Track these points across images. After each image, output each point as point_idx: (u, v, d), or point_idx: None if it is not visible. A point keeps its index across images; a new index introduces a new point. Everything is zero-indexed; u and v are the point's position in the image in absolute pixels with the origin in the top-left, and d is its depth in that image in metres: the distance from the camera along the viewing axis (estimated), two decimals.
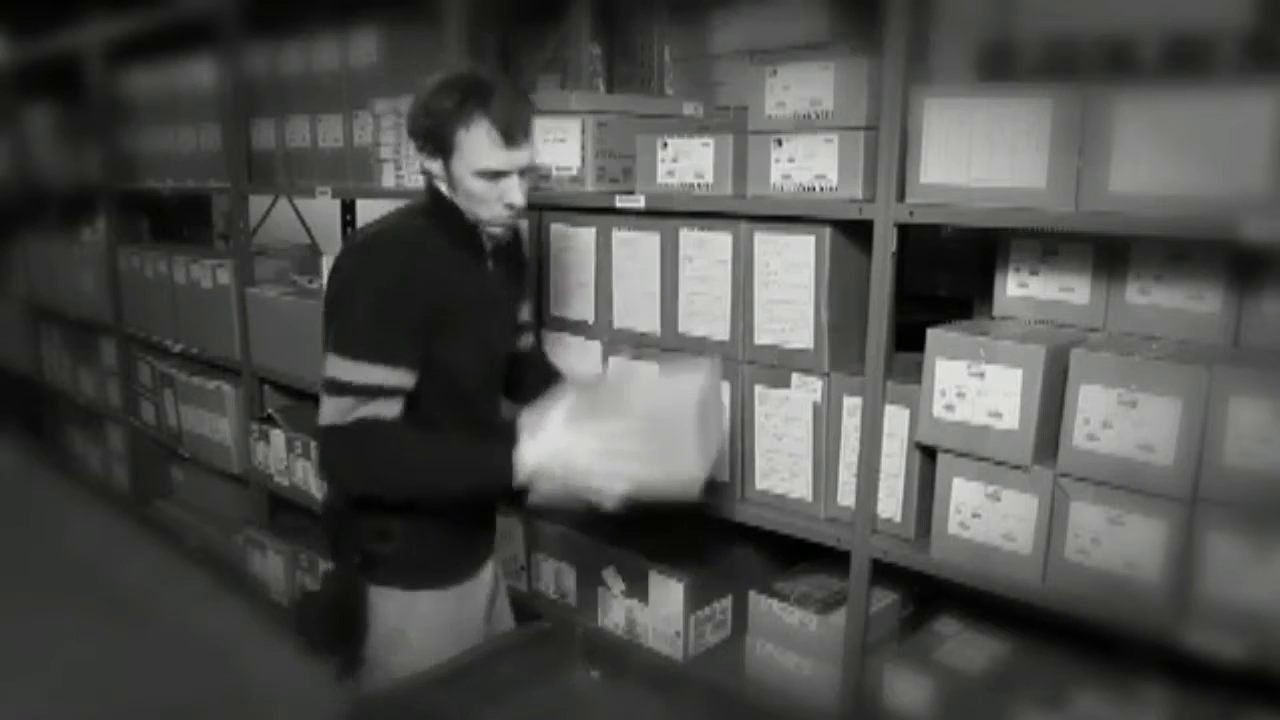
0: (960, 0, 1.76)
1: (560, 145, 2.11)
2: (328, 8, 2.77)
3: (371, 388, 1.49)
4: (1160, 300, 1.57)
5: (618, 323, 2.08)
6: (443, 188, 1.60)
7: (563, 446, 1.50)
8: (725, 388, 1.92)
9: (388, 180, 2.60)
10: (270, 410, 3.15)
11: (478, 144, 1.52)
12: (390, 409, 1.52)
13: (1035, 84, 1.53)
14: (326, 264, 2.67)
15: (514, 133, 1.52)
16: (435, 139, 1.54)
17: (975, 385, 1.56)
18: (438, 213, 1.61)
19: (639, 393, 1.65)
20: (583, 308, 2.15)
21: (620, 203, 2.00)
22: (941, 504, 1.63)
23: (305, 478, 2.96)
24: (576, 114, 2.07)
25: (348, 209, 3.81)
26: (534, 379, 1.88)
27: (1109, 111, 1.42)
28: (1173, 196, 1.37)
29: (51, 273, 4.55)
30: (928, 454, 1.68)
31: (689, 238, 1.93)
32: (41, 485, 4.72)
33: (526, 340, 1.94)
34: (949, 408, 1.60)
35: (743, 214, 1.84)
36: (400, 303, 1.51)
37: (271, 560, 3.14)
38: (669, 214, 1.96)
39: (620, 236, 2.05)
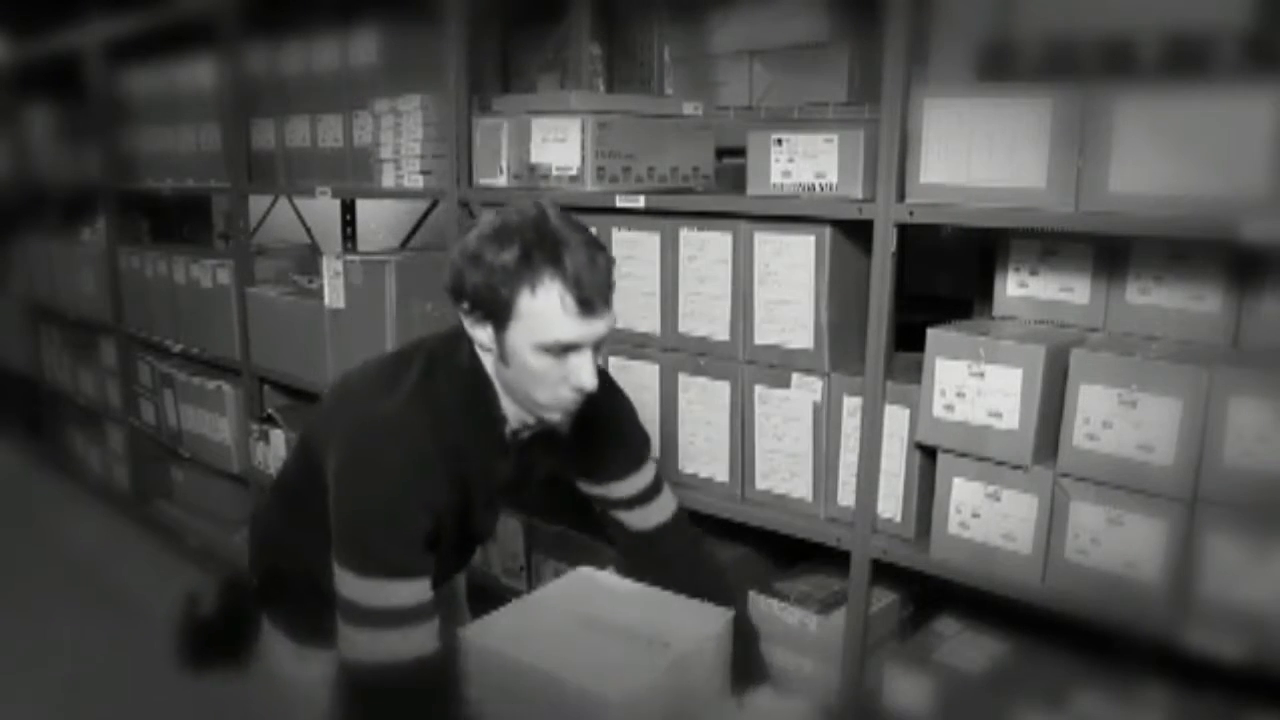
0: (960, 0, 1.76)
1: (560, 145, 2.11)
2: (328, 8, 2.77)
3: (390, 611, 1.24)
4: (1160, 300, 1.57)
5: (618, 323, 2.07)
6: (487, 361, 1.31)
7: None
8: (725, 388, 1.92)
9: (388, 180, 2.60)
10: (270, 410, 3.15)
11: (546, 312, 1.21)
12: (423, 636, 1.26)
13: (1035, 84, 1.53)
14: (326, 264, 2.67)
15: (593, 299, 1.22)
16: (488, 302, 1.23)
17: (975, 385, 1.56)
18: (468, 396, 1.33)
19: None
20: None
21: (620, 202, 2.00)
22: (941, 504, 1.63)
23: None
24: (576, 114, 2.07)
25: (348, 209, 3.81)
26: (681, 570, 1.56)
27: (1109, 111, 1.42)
28: (1173, 196, 1.37)
29: (51, 273, 4.54)
30: (928, 454, 1.68)
31: (689, 238, 1.92)
32: (41, 485, 4.71)
33: (649, 514, 1.57)
34: (949, 408, 1.60)
35: (743, 213, 1.84)
36: (417, 504, 1.27)
37: None
38: (669, 214, 1.96)
39: (620, 236, 2.04)
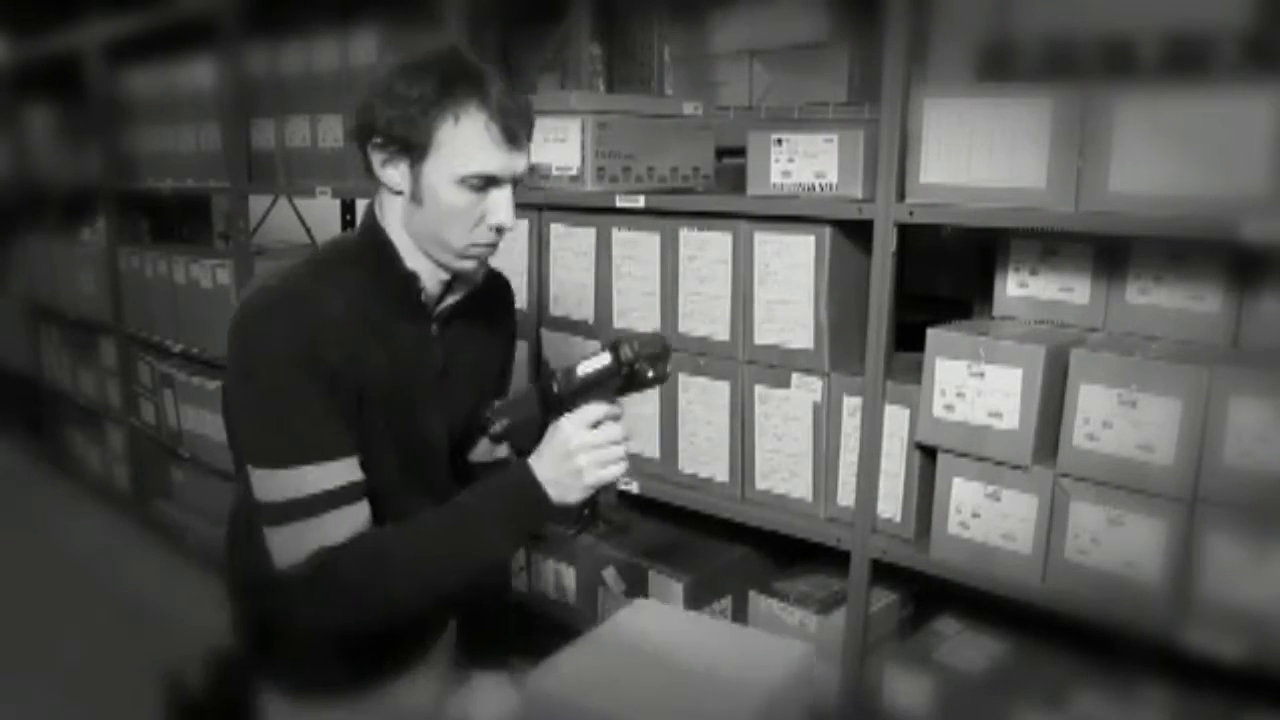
0: (960, 0, 1.76)
1: (560, 145, 2.11)
2: (328, 8, 2.77)
3: (318, 497, 1.16)
4: (1160, 300, 1.57)
5: (618, 323, 2.08)
6: (393, 214, 1.25)
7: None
8: (725, 388, 1.92)
9: None
10: None
11: (470, 142, 1.17)
12: (354, 517, 1.19)
13: (1035, 84, 1.54)
14: None
15: (516, 128, 1.20)
16: (403, 136, 1.19)
17: (975, 385, 1.56)
18: (367, 259, 1.26)
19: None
20: (583, 308, 2.15)
21: (620, 202, 2.00)
22: (941, 504, 1.63)
23: None
24: (576, 114, 2.07)
25: (348, 209, 3.81)
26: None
27: (1109, 111, 1.42)
28: (1173, 196, 1.37)
29: (51, 273, 4.54)
30: (928, 454, 1.68)
31: (689, 238, 1.92)
32: (41, 485, 4.71)
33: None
34: (949, 408, 1.60)
35: (743, 213, 1.84)
36: (314, 375, 1.18)
37: None
38: (669, 214, 1.96)
39: (620, 237, 2.04)
